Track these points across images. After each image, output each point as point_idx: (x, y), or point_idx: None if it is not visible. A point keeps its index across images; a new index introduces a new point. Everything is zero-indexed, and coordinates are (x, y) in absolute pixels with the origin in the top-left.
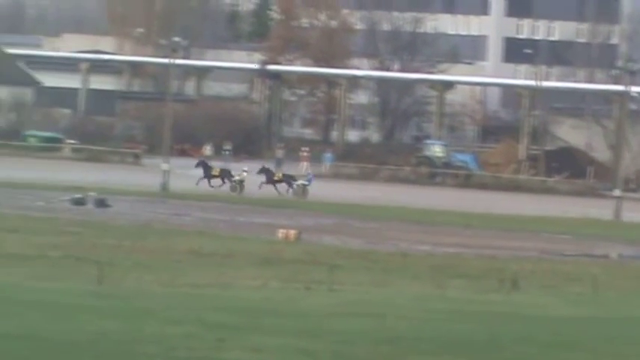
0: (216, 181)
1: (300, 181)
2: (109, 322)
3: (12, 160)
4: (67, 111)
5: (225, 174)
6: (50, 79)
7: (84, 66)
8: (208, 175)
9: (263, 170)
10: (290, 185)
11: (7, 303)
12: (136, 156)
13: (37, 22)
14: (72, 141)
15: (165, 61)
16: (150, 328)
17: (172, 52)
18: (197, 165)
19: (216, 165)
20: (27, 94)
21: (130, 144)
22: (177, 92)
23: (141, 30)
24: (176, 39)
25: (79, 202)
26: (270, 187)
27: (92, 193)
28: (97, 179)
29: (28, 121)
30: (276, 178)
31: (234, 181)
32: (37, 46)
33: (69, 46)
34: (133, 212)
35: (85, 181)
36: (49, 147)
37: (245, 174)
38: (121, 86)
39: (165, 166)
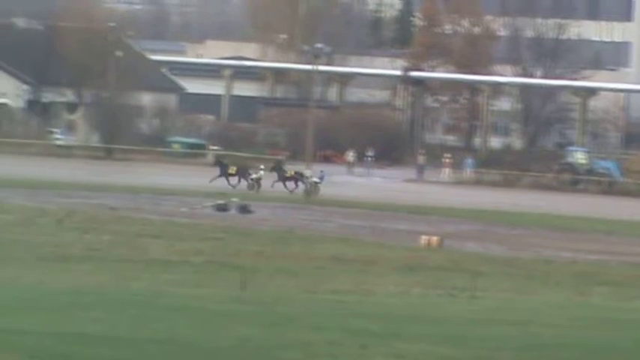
0: (234, 180)
1: (312, 179)
2: (251, 328)
3: (156, 166)
4: (210, 117)
5: (242, 172)
6: (193, 86)
7: (227, 72)
8: (225, 173)
9: (275, 168)
10: (302, 182)
11: (152, 308)
12: (279, 162)
13: (181, 28)
14: (215, 147)
15: (308, 67)
16: (293, 335)
17: (315, 58)
18: (214, 164)
19: (286, 166)
20: (171, 100)
21: (272, 150)
22: (319, 99)
23: (284, 36)
24: (319, 45)
25: (222, 208)
26: (281, 185)
27: (235, 199)
28: (239, 185)
29: (171, 127)
30: (287, 175)
31: (252, 179)
32: (181, 53)
33: (212, 52)
34: (275, 218)
35: (227, 187)
36: (193, 153)
37: (262, 172)
38: (264, 93)
39: (307, 173)
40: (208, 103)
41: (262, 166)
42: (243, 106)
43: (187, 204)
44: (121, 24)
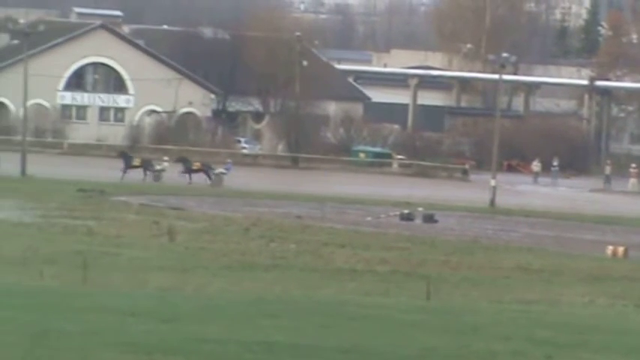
0: (137, 171)
1: (217, 170)
2: (437, 338)
3: (342, 175)
4: (395, 126)
5: (146, 165)
6: (379, 95)
7: (413, 81)
8: (128, 165)
9: (181, 159)
10: (208, 174)
11: (337, 317)
12: (464, 172)
13: (367, 38)
14: (400, 156)
15: (494, 76)
16: (478, 344)
17: (501, 67)
18: (117, 156)
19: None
20: (356, 109)
21: (458, 160)
22: (505, 108)
23: (470, 46)
24: (505, 55)
25: (407, 218)
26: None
27: (420, 209)
28: (424, 195)
29: (357, 136)
30: (194, 168)
31: (156, 171)
32: (367, 62)
33: (398, 61)
34: (460, 228)
35: (413, 196)
36: (379, 162)
37: (166, 164)
38: (450, 102)
39: (493, 182)
40: (394, 112)
41: (166, 158)
42: (429, 115)
43: (373, 213)
44: (307, 33)
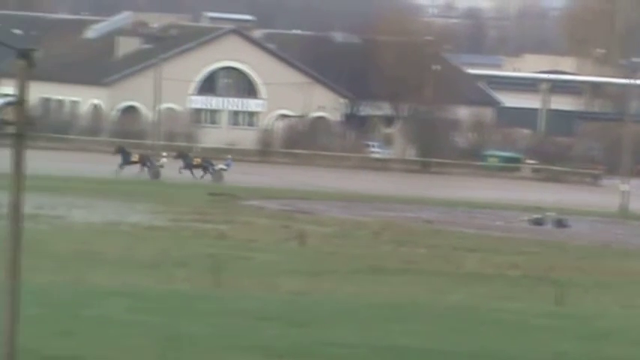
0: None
1: (218, 166)
2: (568, 343)
3: (472, 179)
4: (526, 131)
5: (144, 160)
6: (510, 99)
7: (544, 86)
8: (127, 161)
9: (181, 155)
10: (207, 170)
11: (467, 321)
12: (595, 177)
13: (498, 42)
14: (531, 161)
15: (626, 81)
16: (609, 350)
17: (632, 72)
18: (115, 152)
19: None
20: (487, 114)
21: (589, 165)
22: (636, 113)
23: (601, 50)
24: (636, 59)
25: (538, 222)
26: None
27: (551, 214)
28: (555, 199)
29: (488, 141)
30: (194, 163)
31: (154, 167)
32: (498, 67)
33: (529, 66)
34: (591, 233)
35: (543, 201)
36: (509, 167)
37: (165, 160)
38: (581, 107)
39: (624, 187)
40: (525, 116)
41: (165, 154)
42: (560, 120)
43: (503, 218)
44: (438, 37)
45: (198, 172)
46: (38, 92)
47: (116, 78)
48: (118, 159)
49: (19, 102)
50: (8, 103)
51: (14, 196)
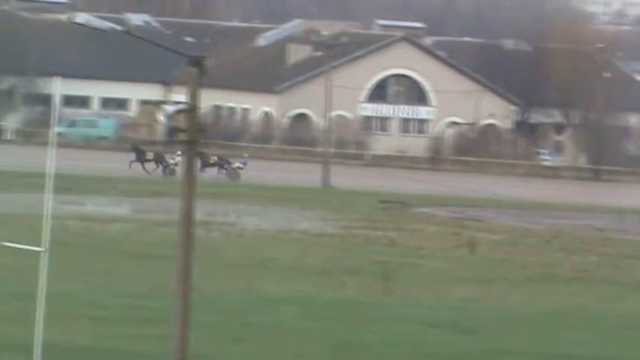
0: (151, 165)
1: (235, 165)
2: None
3: None
4: None
5: (159, 158)
6: None
7: None
8: (142, 159)
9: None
10: (224, 168)
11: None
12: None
13: None
14: None
15: None
16: None
17: None
18: (131, 150)
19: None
20: None
21: None
22: None
23: None
24: None
25: None
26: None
27: None
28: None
29: None
30: (211, 162)
31: (169, 165)
32: None
33: None
34: None
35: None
36: None
37: (179, 158)
38: None
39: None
40: None
41: (179, 152)
42: None
43: None
44: (610, 45)
45: (214, 171)
46: (210, 100)
47: (287, 85)
48: (132, 156)
49: (191, 109)
50: (179, 111)
51: (186, 203)
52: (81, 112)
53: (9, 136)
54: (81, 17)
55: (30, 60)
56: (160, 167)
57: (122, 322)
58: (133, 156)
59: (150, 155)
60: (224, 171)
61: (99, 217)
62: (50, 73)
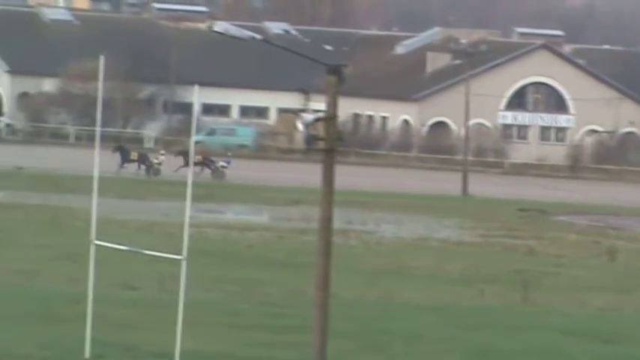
0: (133, 166)
1: (220, 163)
2: None
3: None
4: None
5: (142, 158)
6: None
7: None
8: (126, 159)
9: (181, 153)
10: (209, 167)
11: None
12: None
13: None
14: None
15: None
16: None
17: None
18: (114, 150)
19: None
20: None
21: None
22: None
23: None
24: None
25: None
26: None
27: None
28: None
29: None
30: (195, 161)
31: (152, 165)
32: None
33: None
34: None
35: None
36: None
37: (163, 158)
38: None
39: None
40: None
41: (163, 152)
42: None
43: None
44: None
45: (197, 170)
46: (348, 108)
47: (426, 94)
48: (117, 158)
49: (329, 117)
50: (318, 119)
51: (324, 211)
52: (220, 121)
53: (148, 145)
54: (220, 26)
55: (170, 68)
56: (144, 167)
57: (261, 329)
58: (118, 157)
59: (134, 155)
60: (209, 170)
61: (237, 224)
62: (190, 82)
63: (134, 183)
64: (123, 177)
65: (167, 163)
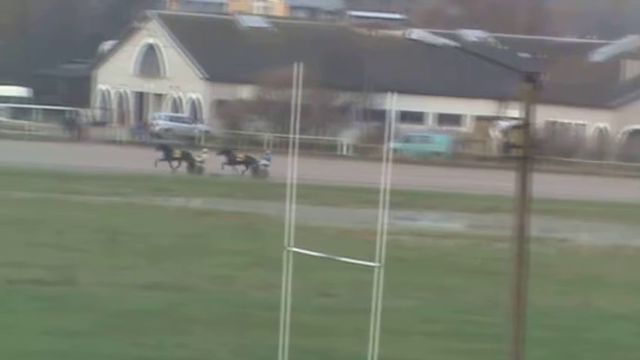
0: (175, 164)
1: (261, 162)
2: None
3: None
4: None
5: (186, 156)
6: None
7: None
8: (169, 157)
9: (224, 151)
10: (250, 166)
11: None
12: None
13: None
14: None
15: None
16: None
17: None
18: (157, 148)
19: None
20: None
21: None
22: None
23: None
24: None
25: None
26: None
27: None
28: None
29: None
30: (237, 159)
31: (198, 163)
32: None
33: None
34: None
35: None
36: None
37: (205, 156)
38: None
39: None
40: None
41: (205, 150)
42: None
43: None
44: None
45: (241, 168)
46: (544, 115)
47: (622, 101)
48: (160, 155)
49: (525, 125)
50: (514, 127)
51: (520, 219)
52: (416, 128)
53: (345, 152)
54: (416, 33)
55: (365, 76)
56: (186, 165)
57: (455, 337)
58: (160, 154)
59: (177, 154)
60: (251, 168)
61: (433, 232)
62: (385, 89)
63: (332, 190)
64: (323, 184)
65: (210, 161)
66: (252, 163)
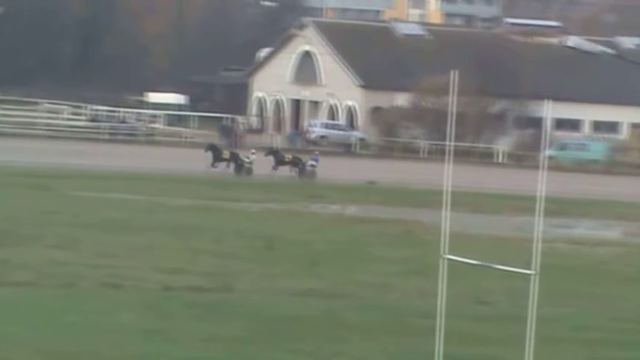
0: (225, 164)
1: (308, 163)
2: None
3: None
4: None
5: (234, 157)
6: None
7: None
8: (219, 158)
9: (271, 152)
10: (298, 166)
11: None
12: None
13: None
14: None
15: None
16: None
17: None
18: (206, 149)
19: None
20: None
21: None
22: None
23: None
24: None
25: None
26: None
27: None
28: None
29: None
30: (285, 160)
31: (246, 164)
32: None
33: None
34: None
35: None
36: None
37: (254, 157)
38: None
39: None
40: None
41: (253, 151)
42: None
43: None
44: None
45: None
46: None
47: None
48: (210, 156)
49: None
50: None
51: None
52: (572, 136)
53: (500, 159)
54: (572, 41)
55: (521, 83)
56: (233, 165)
57: (612, 345)
58: (209, 156)
59: (226, 154)
60: (299, 169)
61: (588, 240)
62: (541, 97)
63: (488, 198)
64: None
65: (257, 162)
66: (299, 164)
